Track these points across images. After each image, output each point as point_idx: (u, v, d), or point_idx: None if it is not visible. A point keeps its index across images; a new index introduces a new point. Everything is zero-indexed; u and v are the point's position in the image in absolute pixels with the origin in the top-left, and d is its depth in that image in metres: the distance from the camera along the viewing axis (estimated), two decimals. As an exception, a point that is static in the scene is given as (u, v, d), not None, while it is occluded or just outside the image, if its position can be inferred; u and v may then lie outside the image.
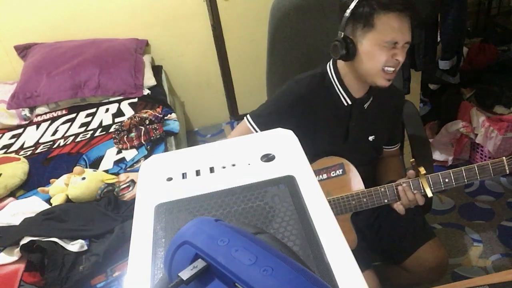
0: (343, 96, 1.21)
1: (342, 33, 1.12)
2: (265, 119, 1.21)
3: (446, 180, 1.10)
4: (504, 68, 2.35)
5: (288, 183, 0.62)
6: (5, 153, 1.98)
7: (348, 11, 1.10)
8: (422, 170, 1.11)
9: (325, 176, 1.21)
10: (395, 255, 1.29)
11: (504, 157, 1.07)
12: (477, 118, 2.14)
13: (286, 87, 1.24)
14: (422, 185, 1.11)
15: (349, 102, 1.22)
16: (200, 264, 0.41)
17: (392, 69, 1.11)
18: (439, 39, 2.04)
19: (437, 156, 2.28)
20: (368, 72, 1.13)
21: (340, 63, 1.21)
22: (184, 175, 0.67)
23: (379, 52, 1.10)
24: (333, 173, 1.21)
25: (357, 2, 1.08)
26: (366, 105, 1.25)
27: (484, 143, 2.11)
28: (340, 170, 1.21)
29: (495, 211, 2.00)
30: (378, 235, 1.31)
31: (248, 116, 1.23)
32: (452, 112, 2.28)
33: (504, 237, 1.86)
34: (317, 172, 1.20)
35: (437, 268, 1.23)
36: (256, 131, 1.21)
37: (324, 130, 1.24)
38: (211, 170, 0.67)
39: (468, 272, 1.73)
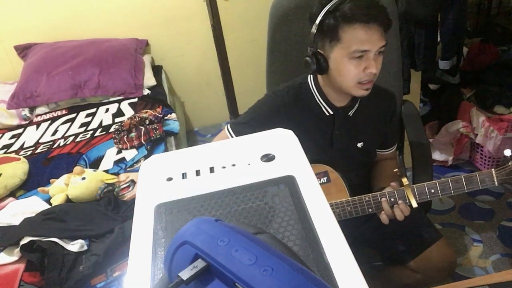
0: (323, 106, 1.20)
1: (311, 49, 1.10)
2: (242, 129, 1.21)
3: (432, 190, 1.08)
4: (504, 68, 2.34)
5: (288, 183, 0.62)
6: (5, 153, 1.97)
7: (315, 26, 1.08)
8: (405, 181, 1.10)
9: None
10: (401, 256, 1.27)
11: (493, 169, 1.04)
12: (477, 118, 2.13)
13: (264, 98, 1.25)
14: (407, 195, 1.10)
15: (331, 112, 1.20)
16: (200, 264, 0.41)
17: (367, 80, 1.09)
18: (439, 39, 2.04)
19: (437, 156, 2.28)
20: (343, 86, 1.12)
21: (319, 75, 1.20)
22: (184, 175, 0.67)
23: (347, 66, 1.07)
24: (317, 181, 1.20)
25: (322, 16, 1.06)
26: (351, 113, 1.23)
27: (484, 143, 2.11)
28: (325, 178, 1.20)
29: (495, 211, 2.00)
30: (383, 235, 1.29)
31: (228, 124, 1.24)
32: (452, 112, 2.28)
33: (504, 237, 1.86)
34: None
35: (446, 268, 1.22)
36: None
37: (307, 141, 1.21)
38: (211, 170, 0.67)
39: (468, 272, 1.73)
